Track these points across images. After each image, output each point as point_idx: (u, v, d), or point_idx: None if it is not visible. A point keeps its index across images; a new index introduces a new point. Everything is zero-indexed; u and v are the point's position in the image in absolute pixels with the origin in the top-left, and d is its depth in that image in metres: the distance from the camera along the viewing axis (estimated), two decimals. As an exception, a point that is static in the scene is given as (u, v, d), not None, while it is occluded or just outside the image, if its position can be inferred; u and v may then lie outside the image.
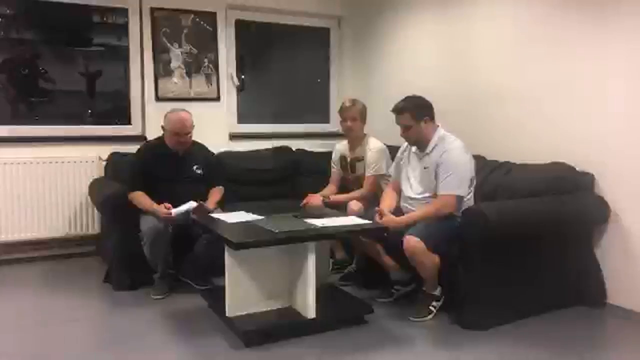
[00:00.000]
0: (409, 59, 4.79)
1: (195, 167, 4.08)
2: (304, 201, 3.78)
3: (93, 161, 4.66)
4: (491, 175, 3.72)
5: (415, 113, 3.54)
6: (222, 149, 4.86)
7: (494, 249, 3.04)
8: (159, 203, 3.79)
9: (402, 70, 4.83)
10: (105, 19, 4.98)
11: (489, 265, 3.09)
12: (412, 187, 3.51)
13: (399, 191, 3.73)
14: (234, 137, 5.15)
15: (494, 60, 4.07)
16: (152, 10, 4.83)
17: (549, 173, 3.46)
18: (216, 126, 5.10)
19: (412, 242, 3.24)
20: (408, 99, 3.62)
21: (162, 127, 4.06)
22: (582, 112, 3.51)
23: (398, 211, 3.60)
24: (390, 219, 3.43)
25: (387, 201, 3.69)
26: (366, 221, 3.42)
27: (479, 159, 3.64)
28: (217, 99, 5.17)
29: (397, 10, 4.88)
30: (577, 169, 3.46)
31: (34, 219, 4.56)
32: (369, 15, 5.20)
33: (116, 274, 3.96)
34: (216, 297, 3.34)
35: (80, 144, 4.76)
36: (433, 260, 3.28)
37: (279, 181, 5.02)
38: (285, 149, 5.03)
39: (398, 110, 3.59)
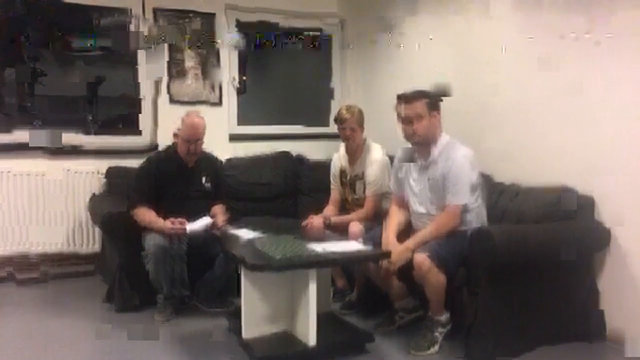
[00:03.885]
0: (412, 65, 4.70)
1: (204, 180, 3.99)
2: (305, 222, 3.67)
3: (93, 173, 4.58)
4: (500, 198, 3.61)
5: (430, 102, 3.34)
6: (223, 157, 4.68)
7: (500, 273, 3.03)
8: (165, 219, 3.66)
9: (405, 76, 4.72)
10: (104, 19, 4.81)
11: (495, 291, 3.08)
12: (421, 202, 3.37)
13: (406, 206, 3.54)
14: (233, 138, 5.11)
15: (500, 73, 3.97)
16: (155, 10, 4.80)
17: (553, 199, 3.39)
18: (217, 129, 4.93)
19: (419, 258, 3.14)
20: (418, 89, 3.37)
21: (175, 134, 3.94)
22: (587, 132, 3.43)
23: (410, 228, 3.45)
24: (394, 251, 3.26)
25: (394, 221, 3.49)
26: (368, 247, 3.36)
27: (486, 178, 3.61)
28: (219, 103, 5.13)
29: (402, 15, 4.81)
30: (579, 191, 3.38)
31: (27, 234, 4.45)
32: (372, 17, 5.15)
33: (118, 294, 3.90)
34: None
35: (79, 156, 4.64)
36: (439, 280, 3.16)
37: (279, 196, 4.96)
38: (285, 157, 5.01)
39: (410, 96, 3.30)
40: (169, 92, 4.90)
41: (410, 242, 3.32)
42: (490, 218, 3.43)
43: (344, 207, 4.06)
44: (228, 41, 5.06)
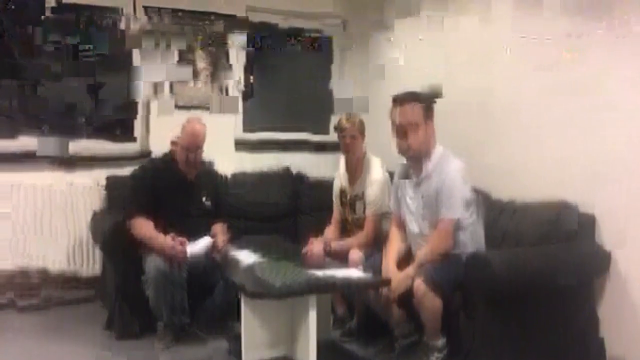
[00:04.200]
0: (414, 70, 4.57)
1: (204, 198, 3.87)
2: (306, 249, 3.63)
3: (91, 187, 4.46)
4: (500, 218, 3.52)
5: (425, 107, 3.18)
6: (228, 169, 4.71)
7: (498, 299, 2.98)
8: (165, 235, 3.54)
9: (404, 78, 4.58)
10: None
11: (493, 316, 3.03)
12: (416, 220, 3.31)
13: (404, 227, 3.45)
14: (239, 144, 5.04)
15: (499, 76, 3.89)
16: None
17: (552, 217, 3.30)
18: (222, 136, 4.86)
19: (414, 283, 3.07)
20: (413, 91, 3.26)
21: (172, 142, 3.80)
22: (589, 142, 3.34)
23: (409, 252, 3.39)
24: (394, 278, 3.18)
25: (394, 246, 3.41)
26: (368, 275, 3.31)
27: (483, 196, 3.55)
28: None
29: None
30: (580, 206, 3.29)
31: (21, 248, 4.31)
32: (375, 19, 5.08)
33: (118, 320, 3.82)
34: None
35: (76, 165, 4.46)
36: (435, 305, 3.06)
37: (282, 216, 4.89)
38: (287, 175, 4.99)
39: (404, 98, 3.18)
40: (173, 95, 4.71)
41: (410, 269, 3.25)
42: (489, 239, 3.35)
43: (345, 227, 4.00)
44: (238, 42, 5.00)
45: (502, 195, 3.70)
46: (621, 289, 3.30)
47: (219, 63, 4.96)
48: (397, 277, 3.25)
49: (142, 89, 4.71)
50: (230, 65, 5.01)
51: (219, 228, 3.83)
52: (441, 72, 4.30)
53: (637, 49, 3.14)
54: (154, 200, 3.66)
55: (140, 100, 4.72)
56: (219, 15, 4.95)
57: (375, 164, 3.88)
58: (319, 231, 3.93)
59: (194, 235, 3.57)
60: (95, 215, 4.32)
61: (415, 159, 3.28)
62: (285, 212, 4.86)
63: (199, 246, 3.55)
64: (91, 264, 4.52)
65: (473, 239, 3.27)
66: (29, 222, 4.35)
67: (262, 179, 4.94)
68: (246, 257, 3.44)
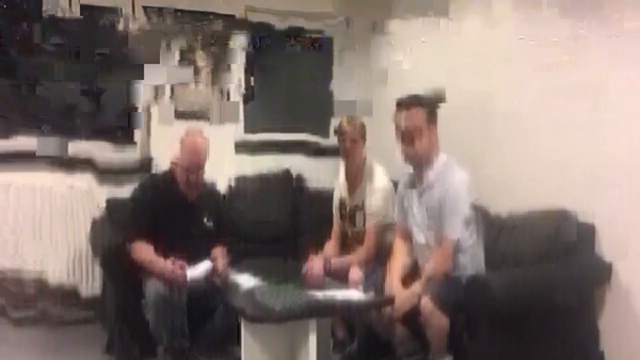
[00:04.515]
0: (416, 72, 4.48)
1: (206, 220, 3.73)
2: (306, 269, 3.60)
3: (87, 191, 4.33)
4: (499, 237, 3.42)
5: (430, 112, 3.12)
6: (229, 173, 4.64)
7: (499, 321, 2.93)
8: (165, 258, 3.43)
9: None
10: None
11: (495, 336, 2.97)
12: (422, 231, 3.22)
13: (410, 239, 3.34)
14: (240, 146, 4.90)
15: (501, 86, 3.81)
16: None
17: (552, 231, 3.22)
18: (223, 139, 4.71)
19: (423, 300, 2.99)
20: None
21: (173, 162, 3.63)
22: (587, 150, 3.27)
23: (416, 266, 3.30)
24: (399, 296, 3.08)
25: (399, 260, 3.29)
26: (369, 296, 3.24)
27: (482, 211, 3.43)
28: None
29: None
30: (580, 215, 3.20)
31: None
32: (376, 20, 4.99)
33: (118, 344, 3.74)
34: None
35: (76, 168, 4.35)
36: (441, 323, 2.97)
37: (280, 239, 4.70)
38: (285, 179, 4.87)
39: (409, 102, 3.10)
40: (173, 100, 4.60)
41: (417, 286, 3.13)
42: (488, 260, 3.28)
43: (345, 242, 3.87)
44: (239, 43, 4.91)
45: (500, 205, 3.59)
46: (622, 301, 3.21)
47: (219, 64, 4.82)
48: (402, 294, 3.16)
49: (142, 93, 4.52)
50: (229, 66, 4.86)
51: (219, 252, 3.72)
52: (443, 75, 4.18)
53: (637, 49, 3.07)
54: (154, 223, 3.56)
55: (141, 105, 4.53)
56: (217, 15, 4.81)
57: (377, 171, 3.74)
58: (320, 245, 3.83)
59: (195, 258, 3.50)
60: (94, 225, 4.21)
61: (417, 167, 3.20)
62: (286, 233, 4.69)
63: (199, 270, 3.48)
64: (91, 281, 4.38)
65: (473, 262, 3.21)
66: (21, 223, 4.22)
67: (262, 185, 4.78)
68: (246, 280, 3.42)
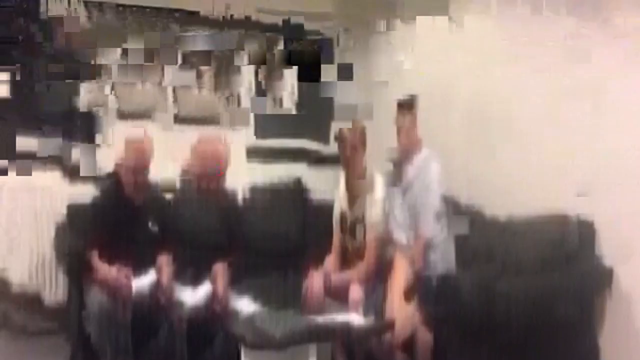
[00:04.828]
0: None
1: (150, 224, 3.60)
2: (305, 288, 3.53)
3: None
4: (499, 243, 3.33)
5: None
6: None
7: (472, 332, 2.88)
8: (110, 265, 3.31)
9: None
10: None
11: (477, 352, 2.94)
12: (405, 234, 3.25)
13: None
14: (251, 152, 4.80)
15: (501, 85, 3.80)
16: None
17: (552, 235, 3.18)
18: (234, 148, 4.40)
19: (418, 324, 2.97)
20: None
21: (117, 163, 3.52)
22: (589, 142, 3.26)
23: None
24: (399, 317, 3.01)
25: (400, 274, 3.20)
26: (369, 320, 3.14)
27: (476, 216, 3.42)
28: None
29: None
30: (580, 216, 3.16)
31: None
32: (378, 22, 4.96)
33: (82, 356, 3.57)
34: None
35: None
36: (425, 338, 2.95)
37: (289, 253, 4.37)
38: (296, 190, 4.66)
39: (412, 103, 3.23)
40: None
41: (410, 309, 3.05)
42: (489, 268, 3.20)
43: (345, 256, 3.78)
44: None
45: (499, 209, 3.52)
46: (624, 313, 3.10)
47: (226, 67, 4.72)
48: (402, 314, 3.08)
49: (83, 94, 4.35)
50: (239, 68, 4.74)
51: (164, 260, 3.51)
52: (442, 76, 4.20)
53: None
54: (100, 228, 3.50)
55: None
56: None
57: (378, 181, 3.64)
58: (321, 259, 3.78)
59: (139, 265, 3.39)
60: (58, 230, 4.03)
61: (397, 165, 3.27)
62: (294, 246, 4.42)
63: (198, 295, 3.41)
64: (54, 288, 4.27)
65: (444, 259, 3.16)
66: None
67: (273, 196, 4.60)
68: (246, 305, 3.40)
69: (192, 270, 3.57)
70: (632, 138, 3.08)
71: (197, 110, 4.67)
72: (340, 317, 3.23)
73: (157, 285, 3.38)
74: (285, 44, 4.92)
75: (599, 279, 3.16)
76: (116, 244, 3.44)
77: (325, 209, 4.08)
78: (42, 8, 4.27)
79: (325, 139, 5.06)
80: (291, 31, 5.03)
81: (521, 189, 3.61)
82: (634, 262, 3.05)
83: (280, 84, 4.82)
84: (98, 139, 4.37)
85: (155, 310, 3.37)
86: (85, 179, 4.15)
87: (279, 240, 4.37)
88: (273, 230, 4.39)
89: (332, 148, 4.50)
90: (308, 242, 4.43)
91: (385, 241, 3.60)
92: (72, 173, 4.30)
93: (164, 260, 3.52)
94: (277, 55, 4.88)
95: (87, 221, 3.58)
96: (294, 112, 4.88)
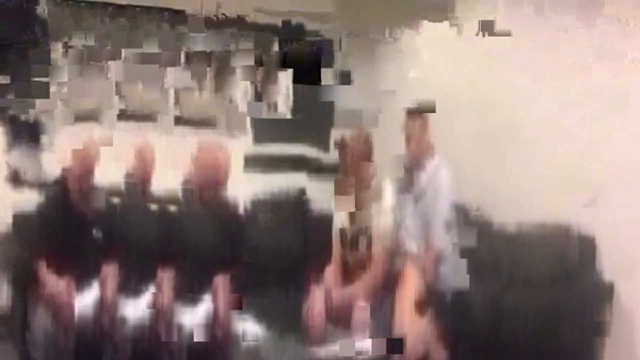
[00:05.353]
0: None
1: (95, 231, 3.43)
2: (306, 310, 3.39)
3: None
4: (506, 254, 3.31)
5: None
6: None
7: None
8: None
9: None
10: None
11: None
12: (417, 244, 3.20)
13: None
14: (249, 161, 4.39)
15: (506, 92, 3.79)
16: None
17: (554, 248, 3.15)
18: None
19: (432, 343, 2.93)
20: None
21: (64, 168, 3.41)
22: (590, 151, 3.24)
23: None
24: (410, 333, 2.90)
25: (411, 285, 3.08)
26: (375, 348, 2.98)
27: (484, 227, 3.36)
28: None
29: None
30: (581, 228, 3.12)
31: None
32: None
33: None
34: None
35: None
36: (439, 356, 2.90)
37: (293, 268, 3.94)
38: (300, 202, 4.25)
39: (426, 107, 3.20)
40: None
41: (422, 325, 2.96)
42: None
43: (346, 269, 3.59)
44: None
45: (506, 216, 3.48)
46: (625, 327, 3.07)
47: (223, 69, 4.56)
48: (413, 330, 2.96)
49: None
50: (234, 70, 4.58)
51: (110, 271, 3.33)
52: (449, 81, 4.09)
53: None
54: (45, 236, 3.33)
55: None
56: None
57: (387, 189, 3.50)
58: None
59: (84, 276, 3.27)
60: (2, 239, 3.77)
61: (408, 171, 3.21)
62: (296, 260, 3.99)
63: (198, 314, 3.30)
64: None
65: (455, 272, 3.12)
66: None
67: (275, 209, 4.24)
68: (250, 327, 3.27)
69: (192, 286, 3.42)
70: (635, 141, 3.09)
71: (198, 113, 4.44)
72: (343, 347, 3.07)
73: (214, 318, 3.26)
74: (280, 45, 4.77)
75: (600, 295, 3.10)
76: (63, 255, 3.29)
77: (327, 221, 3.81)
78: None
79: (325, 146, 4.73)
80: (289, 32, 4.87)
81: (528, 198, 3.53)
82: (636, 276, 3.02)
83: (274, 88, 4.67)
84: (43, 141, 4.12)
85: (99, 331, 3.21)
86: (31, 184, 3.85)
87: (281, 254, 3.95)
88: (275, 244, 4.02)
89: (332, 156, 4.22)
90: (309, 255, 4.01)
91: (394, 252, 3.41)
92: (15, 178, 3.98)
93: (110, 272, 3.35)
94: (274, 57, 4.74)
95: (33, 230, 3.40)
96: (288, 116, 4.69)
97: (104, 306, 3.22)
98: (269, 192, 4.17)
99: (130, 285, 3.31)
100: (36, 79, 4.03)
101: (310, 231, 3.99)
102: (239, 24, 4.69)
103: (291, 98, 4.68)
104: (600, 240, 3.09)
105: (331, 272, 3.61)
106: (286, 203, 4.23)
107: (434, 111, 3.53)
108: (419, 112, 3.33)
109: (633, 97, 3.07)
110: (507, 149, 3.69)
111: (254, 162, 4.35)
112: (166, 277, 3.32)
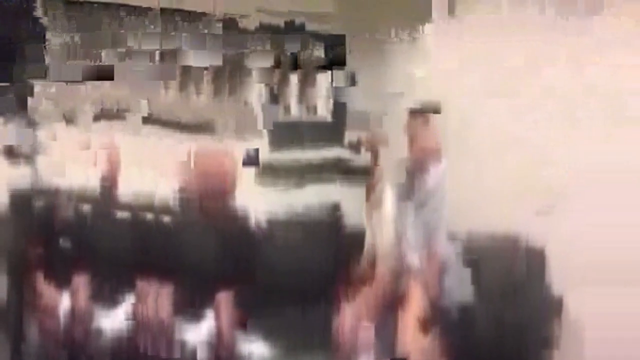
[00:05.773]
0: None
1: (62, 240, 3.51)
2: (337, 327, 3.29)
3: None
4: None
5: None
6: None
7: None
8: None
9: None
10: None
11: None
12: (418, 255, 3.06)
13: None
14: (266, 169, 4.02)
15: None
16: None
17: (503, 260, 2.95)
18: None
19: None
20: None
21: None
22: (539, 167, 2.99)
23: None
24: (414, 350, 2.94)
25: (416, 302, 3.06)
26: None
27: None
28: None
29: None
30: (530, 242, 2.95)
31: None
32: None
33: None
34: None
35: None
36: None
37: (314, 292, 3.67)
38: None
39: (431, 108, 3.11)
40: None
41: (425, 341, 2.98)
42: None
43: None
44: None
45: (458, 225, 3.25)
46: (576, 344, 2.93)
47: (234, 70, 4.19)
48: (418, 348, 2.93)
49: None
50: (250, 71, 4.19)
51: (81, 282, 3.38)
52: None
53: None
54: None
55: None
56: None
57: (388, 195, 3.33)
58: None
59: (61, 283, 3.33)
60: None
61: (410, 176, 3.09)
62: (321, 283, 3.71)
63: (201, 332, 3.26)
64: None
65: (459, 285, 3.00)
66: None
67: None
68: (257, 347, 3.19)
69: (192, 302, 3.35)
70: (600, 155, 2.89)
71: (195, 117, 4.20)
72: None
73: (218, 337, 3.24)
74: (287, 45, 4.65)
75: (548, 309, 2.98)
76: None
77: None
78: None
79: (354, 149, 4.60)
80: (296, 33, 4.74)
81: (479, 206, 3.28)
82: (586, 289, 2.90)
83: (288, 90, 4.43)
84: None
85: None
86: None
87: (303, 274, 3.59)
88: (297, 264, 3.61)
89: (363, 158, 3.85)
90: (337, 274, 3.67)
91: (397, 268, 3.31)
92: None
93: (81, 282, 3.35)
94: (287, 58, 4.67)
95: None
96: (329, 120, 4.54)
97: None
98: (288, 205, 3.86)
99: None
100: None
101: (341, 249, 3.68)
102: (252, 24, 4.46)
103: (332, 100, 4.53)
104: (551, 251, 2.91)
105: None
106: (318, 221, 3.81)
107: (439, 112, 3.35)
108: (423, 113, 3.17)
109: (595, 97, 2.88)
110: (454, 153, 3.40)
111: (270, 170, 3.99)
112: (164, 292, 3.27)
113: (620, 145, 2.88)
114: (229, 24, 4.33)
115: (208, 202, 3.33)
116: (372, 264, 3.32)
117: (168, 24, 4.17)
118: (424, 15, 4.02)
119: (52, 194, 3.40)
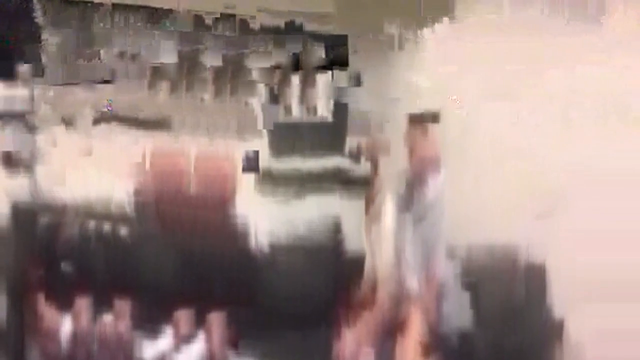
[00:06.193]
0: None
1: (63, 264, 3.35)
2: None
3: None
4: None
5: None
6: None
7: None
8: None
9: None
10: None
11: None
12: (417, 277, 2.91)
13: None
14: (266, 176, 4.35)
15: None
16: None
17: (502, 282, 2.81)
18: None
19: None
20: None
21: None
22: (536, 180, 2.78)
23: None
24: None
25: (414, 328, 2.90)
26: None
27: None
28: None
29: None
30: (529, 256, 2.76)
31: None
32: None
33: None
34: None
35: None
36: None
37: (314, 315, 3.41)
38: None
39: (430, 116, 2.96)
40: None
41: None
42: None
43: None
44: None
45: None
46: None
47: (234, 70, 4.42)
48: None
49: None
50: (250, 71, 4.49)
51: (82, 305, 3.24)
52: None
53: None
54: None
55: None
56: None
57: (388, 208, 3.10)
58: None
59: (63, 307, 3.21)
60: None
61: (409, 187, 2.96)
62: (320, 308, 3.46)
63: (192, 356, 3.15)
64: None
65: (459, 309, 2.88)
66: None
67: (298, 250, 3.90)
68: None
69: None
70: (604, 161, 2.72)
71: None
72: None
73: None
74: (288, 46, 4.63)
75: (549, 333, 2.85)
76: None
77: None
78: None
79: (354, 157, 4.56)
80: (297, 33, 4.75)
81: (478, 217, 3.07)
82: (587, 307, 2.74)
83: (289, 91, 4.56)
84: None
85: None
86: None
87: (300, 298, 3.32)
88: (295, 289, 3.34)
89: (363, 167, 3.58)
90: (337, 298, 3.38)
91: (396, 291, 3.06)
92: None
93: (83, 304, 3.19)
94: (288, 59, 4.66)
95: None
96: (330, 120, 4.55)
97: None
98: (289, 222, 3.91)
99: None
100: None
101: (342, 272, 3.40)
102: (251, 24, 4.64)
103: (332, 101, 4.55)
104: (551, 265, 2.71)
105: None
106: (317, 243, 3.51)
107: (437, 121, 3.16)
108: (422, 121, 3.03)
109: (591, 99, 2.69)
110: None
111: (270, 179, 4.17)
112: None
113: (626, 152, 2.73)
114: (238, 24, 4.72)
115: (207, 212, 3.28)
116: (373, 288, 3.14)
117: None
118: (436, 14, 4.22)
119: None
